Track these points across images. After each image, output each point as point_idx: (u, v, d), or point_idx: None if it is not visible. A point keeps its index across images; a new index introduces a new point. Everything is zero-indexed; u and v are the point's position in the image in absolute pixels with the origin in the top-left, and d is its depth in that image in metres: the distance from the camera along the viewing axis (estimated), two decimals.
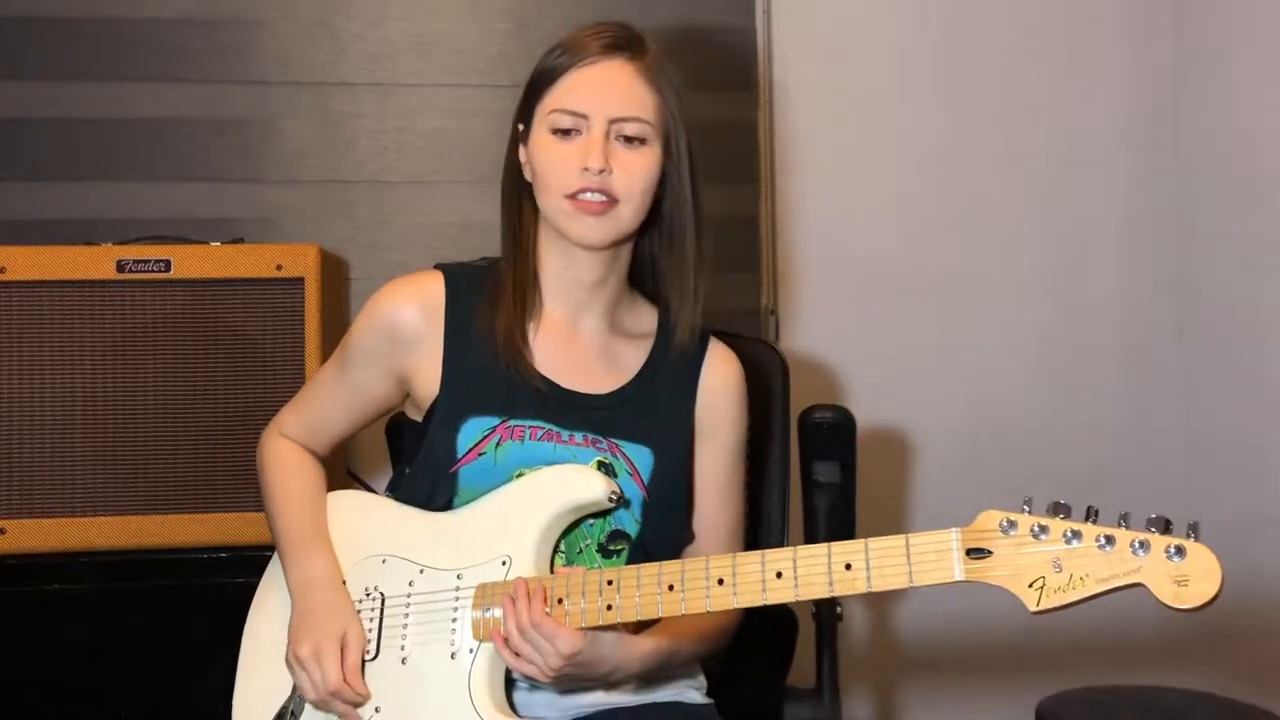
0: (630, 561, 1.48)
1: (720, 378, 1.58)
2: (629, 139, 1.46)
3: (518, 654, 1.36)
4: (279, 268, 2.09)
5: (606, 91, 1.45)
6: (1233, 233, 2.58)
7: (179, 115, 2.46)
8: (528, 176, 1.51)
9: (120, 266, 2.06)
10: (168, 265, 2.07)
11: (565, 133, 1.46)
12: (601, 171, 1.43)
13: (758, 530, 1.81)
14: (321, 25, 2.51)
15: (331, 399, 1.60)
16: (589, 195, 1.44)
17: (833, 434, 1.92)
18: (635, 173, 1.46)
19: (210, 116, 2.47)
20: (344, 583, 1.50)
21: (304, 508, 1.57)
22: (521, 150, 1.52)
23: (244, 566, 1.63)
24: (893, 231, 2.68)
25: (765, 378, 1.84)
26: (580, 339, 1.55)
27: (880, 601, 2.67)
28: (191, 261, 2.08)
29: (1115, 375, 2.76)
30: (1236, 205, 2.57)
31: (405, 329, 1.52)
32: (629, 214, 1.47)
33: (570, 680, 1.40)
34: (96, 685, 2.01)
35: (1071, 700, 2.09)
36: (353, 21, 2.52)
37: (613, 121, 1.45)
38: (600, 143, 1.44)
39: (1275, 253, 2.44)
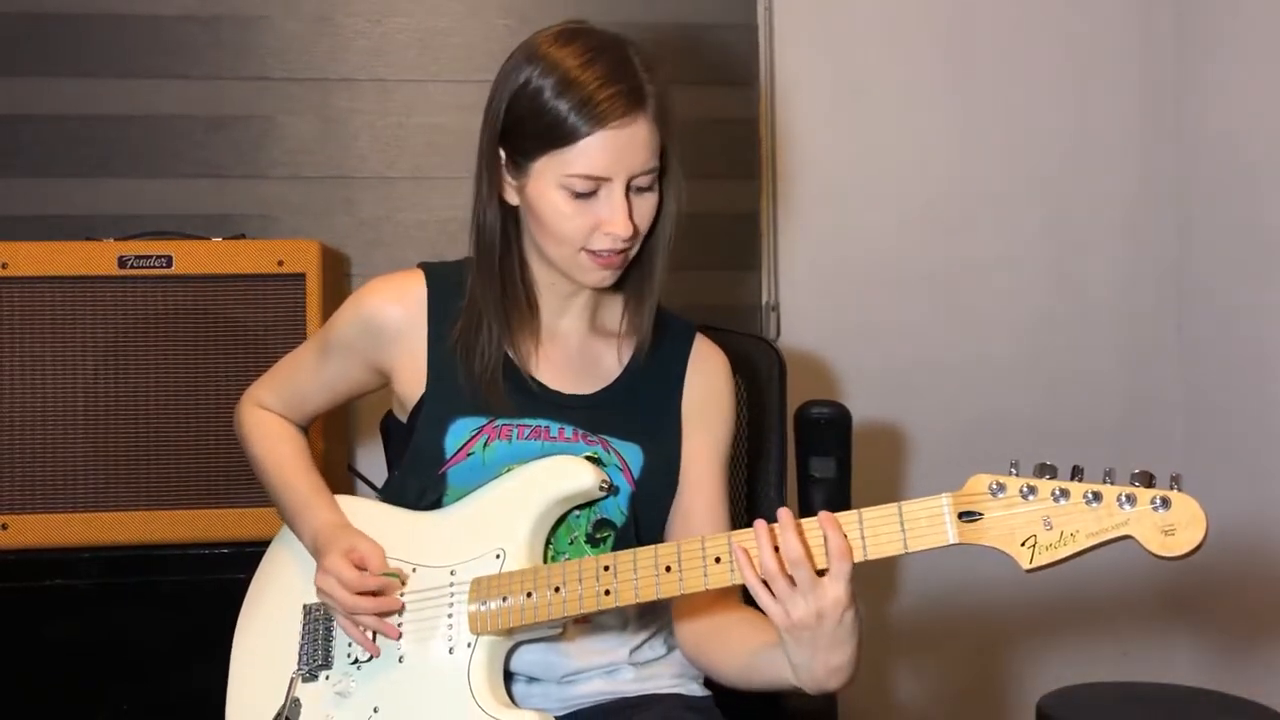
0: (617, 547, 1.47)
1: (706, 375, 1.56)
2: (642, 188, 1.42)
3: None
4: (280, 263, 2.09)
5: (628, 153, 1.39)
6: (1233, 230, 2.58)
7: (181, 111, 2.47)
8: (511, 200, 1.46)
9: (122, 262, 2.07)
10: (169, 261, 2.08)
11: (584, 194, 1.40)
12: (631, 235, 1.41)
13: None
14: (323, 21, 2.52)
15: (310, 381, 1.61)
16: (609, 254, 1.42)
17: (829, 429, 1.93)
18: (646, 215, 1.44)
19: (212, 112, 2.48)
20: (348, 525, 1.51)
21: (297, 471, 1.58)
22: (508, 176, 1.45)
23: (245, 562, 1.64)
24: (893, 227, 2.68)
25: (761, 374, 1.84)
26: (562, 340, 1.54)
27: (880, 591, 2.67)
28: (193, 257, 2.08)
29: (1114, 371, 2.75)
30: (1236, 203, 2.57)
31: (387, 327, 1.52)
32: (636, 247, 1.46)
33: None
34: (98, 680, 2.02)
35: (1072, 697, 2.10)
36: (354, 18, 2.52)
37: (632, 178, 1.40)
38: (624, 206, 1.40)
39: (1275, 251, 2.44)
